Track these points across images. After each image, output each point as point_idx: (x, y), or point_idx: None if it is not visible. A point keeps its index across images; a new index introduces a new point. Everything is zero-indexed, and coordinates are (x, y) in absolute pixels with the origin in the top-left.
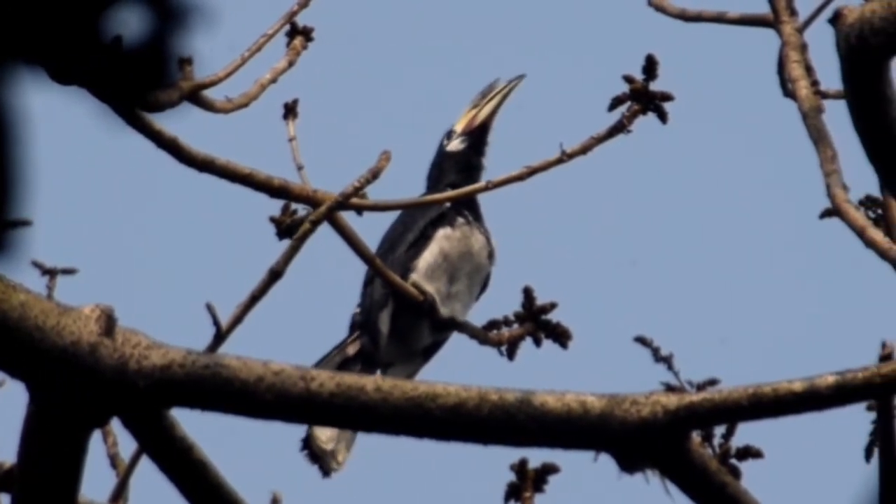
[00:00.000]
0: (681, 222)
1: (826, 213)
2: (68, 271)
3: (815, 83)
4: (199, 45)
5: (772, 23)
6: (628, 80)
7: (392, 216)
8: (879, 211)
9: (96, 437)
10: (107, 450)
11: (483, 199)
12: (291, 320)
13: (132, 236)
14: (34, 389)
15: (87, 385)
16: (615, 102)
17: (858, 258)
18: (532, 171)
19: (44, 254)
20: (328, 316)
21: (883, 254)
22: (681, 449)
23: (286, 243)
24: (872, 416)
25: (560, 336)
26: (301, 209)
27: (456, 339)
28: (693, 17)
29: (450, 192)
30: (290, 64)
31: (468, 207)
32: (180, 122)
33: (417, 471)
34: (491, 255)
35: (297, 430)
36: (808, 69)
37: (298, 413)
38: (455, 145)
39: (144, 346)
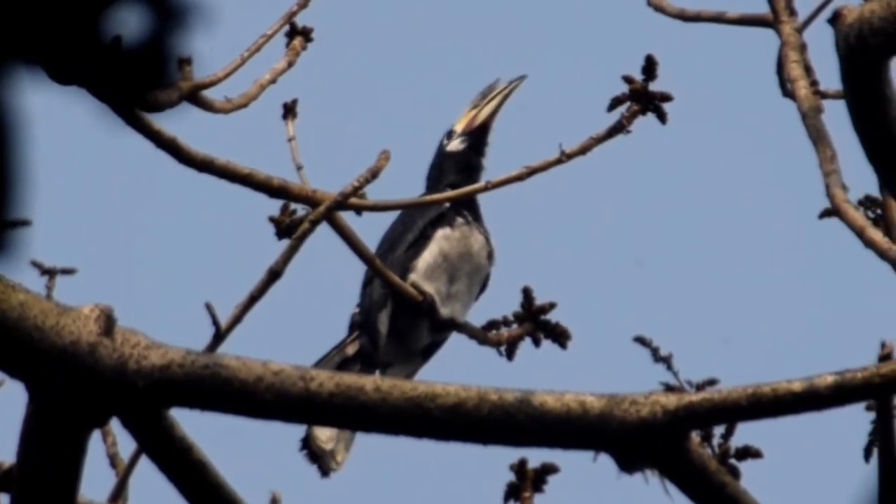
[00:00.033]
0: (680, 222)
1: (825, 213)
2: (67, 271)
3: (814, 83)
4: (198, 45)
5: (771, 23)
6: (628, 80)
7: (391, 216)
8: (879, 211)
9: (96, 437)
10: (106, 450)
11: (482, 200)
12: (291, 320)
13: (131, 236)
14: (33, 389)
15: (87, 385)
16: (614, 103)
17: (858, 258)
18: (531, 172)
19: (43, 254)
20: (327, 316)
21: (882, 254)
22: (680, 449)
23: (285, 243)
24: (872, 416)
25: (559, 336)
26: (300, 209)
27: (455, 340)
28: (692, 17)
29: (449, 193)
30: (290, 64)
31: (468, 208)
32: (179, 122)
33: (417, 471)
34: (490, 256)
35: (297, 430)
36: (808, 69)
37: (298, 413)
38: (455, 145)
39: (144, 345)
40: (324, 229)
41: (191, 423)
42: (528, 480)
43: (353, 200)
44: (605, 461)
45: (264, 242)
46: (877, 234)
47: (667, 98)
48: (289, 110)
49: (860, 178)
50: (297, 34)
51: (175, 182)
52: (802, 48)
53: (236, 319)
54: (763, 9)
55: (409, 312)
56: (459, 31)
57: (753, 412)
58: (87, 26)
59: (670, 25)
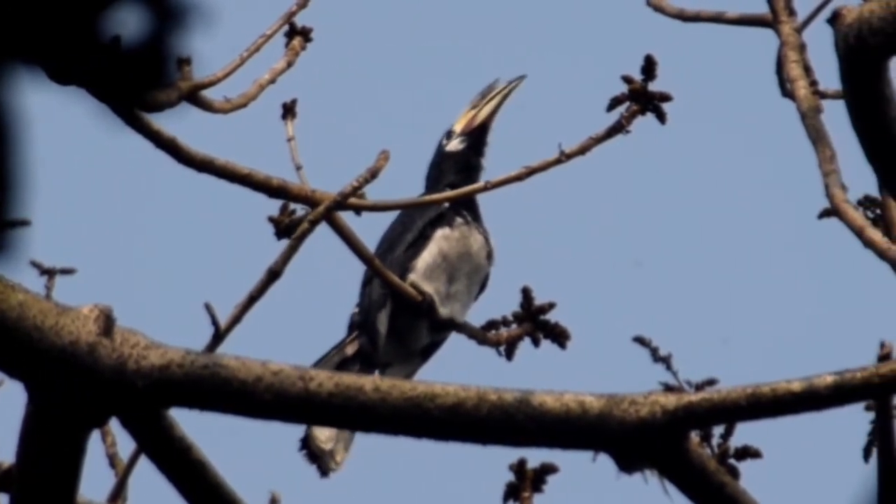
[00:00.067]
0: (679, 222)
1: (825, 213)
2: (67, 271)
3: (813, 83)
4: (197, 45)
5: (770, 23)
6: (627, 80)
7: (391, 216)
8: (878, 211)
9: (95, 437)
10: (105, 450)
11: (482, 200)
12: (290, 320)
13: (131, 236)
14: (33, 389)
15: (86, 385)
16: (614, 103)
17: (857, 258)
18: (531, 172)
19: (42, 253)
20: (327, 316)
21: (881, 253)
22: (679, 449)
23: (285, 243)
24: (871, 416)
25: (558, 336)
26: (300, 209)
27: (454, 340)
28: (691, 17)
29: (449, 193)
30: (289, 64)
31: (467, 208)
32: (179, 123)
33: (416, 471)
34: (490, 256)
35: (296, 430)
36: (807, 69)
37: (297, 413)
38: (454, 145)
39: (143, 345)
40: (323, 229)
41: (190, 423)
42: (527, 480)
43: (353, 200)
44: (605, 461)
45: (263, 242)
46: (876, 234)
47: (666, 98)
48: (288, 110)
49: (859, 178)
50: (297, 34)
51: (174, 182)
52: (802, 48)
53: (235, 319)
54: (762, 9)
55: (409, 312)
56: (458, 31)
57: (753, 412)
58: (86, 26)
59: (669, 25)
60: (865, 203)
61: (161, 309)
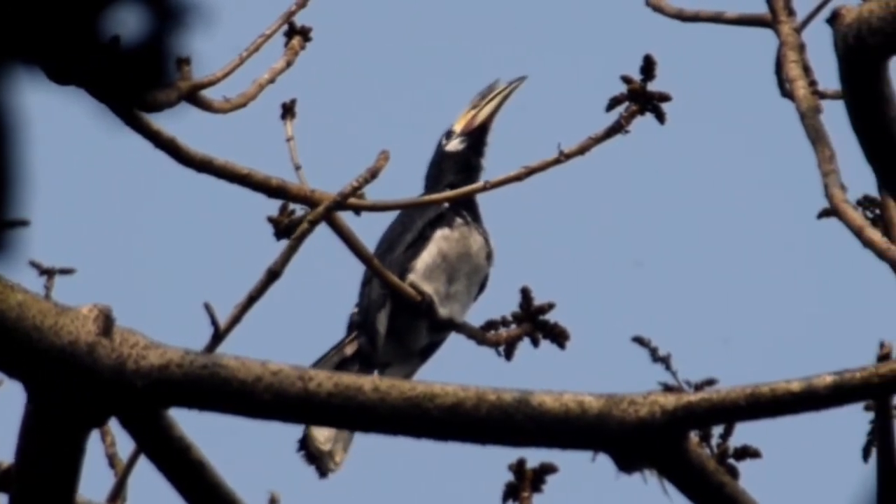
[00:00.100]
0: (678, 222)
1: (824, 213)
2: (66, 271)
3: (812, 83)
4: (197, 44)
5: (770, 23)
6: (626, 80)
7: (390, 216)
8: (877, 211)
9: (94, 437)
10: (105, 449)
11: (481, 200)
12: (289, 320)
13: (130, 236)
14: (32, 389)
15: (85, 385)
16: (613, 103)
17: (856, 258)
18: (530, 172)
19: (41, 254)
20: (326, 316)
21: (881, 253)
22: (679, 449)
23: (284, 243)
24: (870, 415)
25: (558, 336)
26: (299, 209)
27: (454, 340)
28: (690, 17)
29: (448, 193)
30: (288, 64)
31: (467, 208)
32: (178, 122)
33: (415, 471)
34: (489, 256)
35: (295, 430)
36: (806, 69)
37: (296, 413)
38: (454, 145)
39: (142, 345)
40: (322, 229)
41: (189, 423)
42: (526, 480)
43: (352, 200)
44: (604, 461)
45: (263, 242)
46: (875, 234)
47: (665, 98)
48: (287, 110)
49: (859, 177)
50: (296, 34)
51: (174, 182)
52: (801, 48)
53: (235, 319)
54: (762, 9)
55: (408, 312)
56: (458, 31)
57: (752, 412)
58: (85, 26)
59: (669, 25)
60: (865, 203)
61: (160, 309)
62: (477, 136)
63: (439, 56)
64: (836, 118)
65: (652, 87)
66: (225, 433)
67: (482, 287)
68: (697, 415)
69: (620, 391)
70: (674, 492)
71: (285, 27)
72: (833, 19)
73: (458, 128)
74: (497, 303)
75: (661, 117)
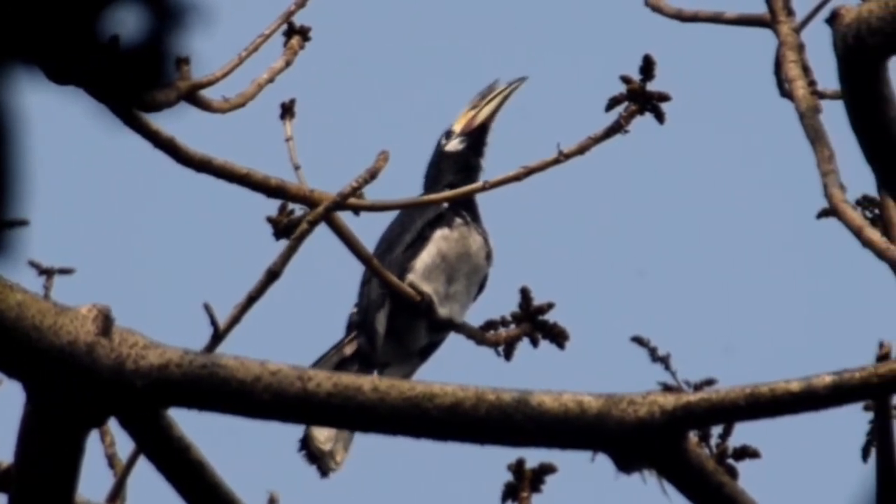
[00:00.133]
0: (677, 222)
1: (823, 213)
2: (65, 271)
3: (812, 83)
4: (196, 44)
5: (769, 23)
6: (625, 80)
7: (389, 216)
8: (877, 211)
9: (94, 437)
10: (104, 450)
11: (481, 200)
12: (289, 321)
13: (129, 236)
14: (31, 389)
15: (85, 385)
16: (612, 103)
17: (856, 258)
18: (529, 172)
19: (41, 253)
20: (325, 316)
21: (880, 253)
22: (678, 449)
23: (283, 243)
24: (870, 415)
25: (557, 336)
26: (298, 209)
27: (453, 340)
28: (690, 18)
29: (447, 193)
30: (288, 63)
31: (466, 208)
32: (177, 122)
33: (415, 471)
34: (489, 256)
35: (295, 430)
36: (806, 69)
37: (295, 413)
38: (454, 145)
39: (141, 345)
40: (322, 229)
41: (188, 423)
42: (525, 480)
43: (352, 201)
44: (603, 461)
45: (262, 243)
46: (875, 234)
47: (664, 98)
48: (286, 110)
49: (858, 177)
50: (295, 33)
51: (173, 182)
52: (800, 48)
53: (234, 320)
54: (761, 9)
55: (407, 312)
56: (457, 31)
57: (751, 412)
58: (84, 26)
59: (668, 25)
60: (864, 203)
61: (160, 309)
62: (476, 137)
63: (439, 56)
64: (835, 118)
65: (651, 86)
66: (224, 433)
67: (481, 287)
68: (697, 415)
69: (620, 391)
70: (673, 492)
71: (284, 27)
72: (832, 19)
73: (457, 128)
74: (496, 303)
75: (660, 117)
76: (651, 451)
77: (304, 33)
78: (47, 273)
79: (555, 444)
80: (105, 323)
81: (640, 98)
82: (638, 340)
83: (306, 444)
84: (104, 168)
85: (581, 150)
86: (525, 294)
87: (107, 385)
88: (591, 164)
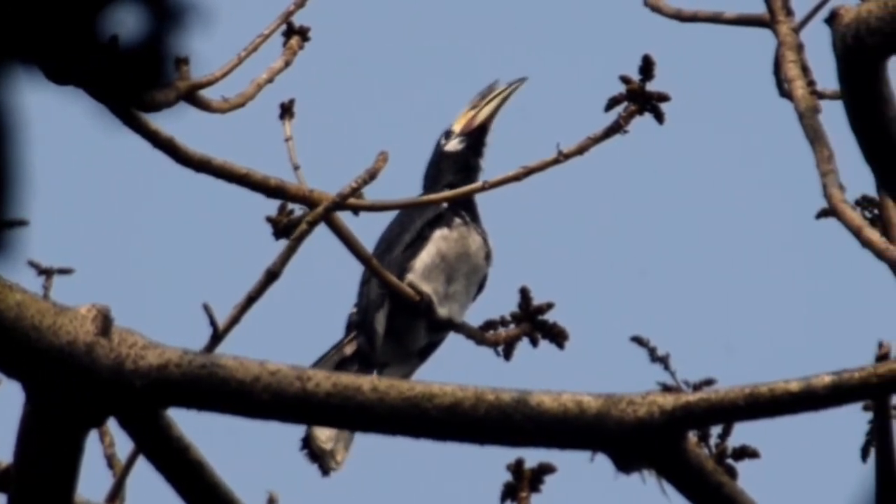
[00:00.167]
0: (677, 222)
1: (822, 213)
2: (64, 271)
3: (811, 83)
4: (195, 44)
5: (768, 23)
6: (625, 80)
7: (389, 216)
8: (876, 211)
9: (93, 437)
10: (103, 450)
11: (480, 200)
12: (288, 321)
13: (129, 236)
14: (31, 389)
15: (84, 385)
16: (612, 103)
17: (855, 258)
18: (529, 172)
19: (40, 253)
20: (325, 316)
21: (879, 254)
22: (677, 449)
23: (283, 243)
24: (869, 416)
25: (556, 336)
26: (298, 209)
27: (452, 340)
28: (689, 18)
29: (447, 193)
30: (287, 64)
31: (465, 208)
32: (177, 122)
33: (414, 471)
34: (488, 256)
35: (294, 430)
36: (805, 69)
37: (295, 413)
38: (453, 145)
39: (141, 345)
40: (321, 230)
41: (187, 423)
42: (524, 480)
43: (351, 201)
44: (603, 461)
45: (262, 243)
46: (874, 234)
47: (664, 98)
48: (286, 110)
49: (857, 177)
50: (295, 33)
51: (172, 182)
52: (799, 48)
53: (234, 320)
54: (760, 9)
55: (407, 312)
56: (457, 31)
57: (751, 412)
58: (84, 26)
59: (667, 25)
60: (863, 203)
61: (159, 309)
62: (476, 137)
63: (439, 56)
64: (834, 118)
65: (651, 87)
66: (223, 433)
67: (481, 287)
68: (696, 415)
69: (619, 391)
70: (672, 492)
71: (284, 27)
72: (831, 19)
73: (457, 128)
74: (496, 303)
75: (659, 117)
76: (650, 451)
77: (303, 33)
78: (46, 273)
79: (554, 444)
80: (104, 323)
81: (640, 98)
82: (637, 340)
83: (308, 444)
84: (103, 168)
85: (580, 150)
86: (524, 294)
87: (106, 385)
88: (591, 164)
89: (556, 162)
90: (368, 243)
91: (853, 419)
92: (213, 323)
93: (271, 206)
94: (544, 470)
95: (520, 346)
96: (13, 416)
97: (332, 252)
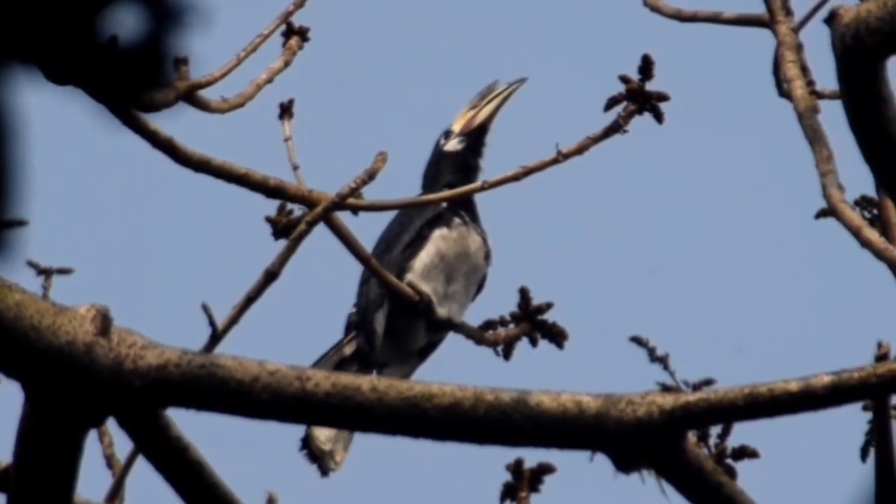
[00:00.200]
0: (675, 222)
1: (822, 214)
2: (64, 271)
3: (810, 83)
4: (194, 44)
5: (767, 23)
6: (624, 80)
7: (388, 216)
8: (875, 211)
9: (92, 438)
10: (103, 450)
11: (479, 200)
12: (287, 321)
13: (128, 236)
14: (30, 389)
15: (83, 385)
16: (611, 102)
17: (854, 258)
18: (528, 171)
19: (39, 254)
20: (324, 316)
21: (879, 254)
22: (677, 449)
23: (282, 244)
24: (868, 416)
25: (556, 336)
26: (297, 209)
27: (452, 340)
28: (688, 18)
29: (446, 192)
30: (286, 64)
31: (465, 208)
32: (176, 123)
33: (414, 471)
34: (487, 256)
35: (293, 430)
36: (804, 69)
37: (294, 413)
38: (453, 145)
39: (140, 345)
40: (320, 230)
41: (187, 423)
42: (524, 480)
43: (350, 201)
44: (602, 461)
45: (261, 243)
46: (873, 234)
47: (663, 98)
48: (285, 110)
49: (857, 178)
50: (294, 34)
51: (171, 182)
52: (799, 48)
53: (233, 320)
54: (759, 9)
55: (406, 312)
56: (457, 31)
57: (750, 412)
58: (83, 26)
59: (667, 25)
60: (862, 203)
61: (158, 309)
62: (475, 137)
63: (439, 56)
64: (833, 118)
65: (650, 86)
66: (223, 433)
67: (480, 287)
68: (695, 415)
69: (618, 391)
70: (672, 492)
71: (283, 27)
72: (831, 19)
73: (456, 128)
74: (495, 303)
75: (659, 117)
76: (650, 451)
77: (302, 34)
78: (46, 273)
79: (553, 444)
80: (103, 323)
81: (639, 98)
82: (636, 340)
83: (307, 444)
84: (103, 168)
85: (580, 149)
86: (524, 294)
87: (105, 385)
88: (590, 164)
89: (555, 162)
90: (368, 243)
91: (853, 419)
92: (212, 323)
93: (270, 206)
94: (544, 470)
95: (519, 345)
96: (13, 416)
97: (331, 252)
